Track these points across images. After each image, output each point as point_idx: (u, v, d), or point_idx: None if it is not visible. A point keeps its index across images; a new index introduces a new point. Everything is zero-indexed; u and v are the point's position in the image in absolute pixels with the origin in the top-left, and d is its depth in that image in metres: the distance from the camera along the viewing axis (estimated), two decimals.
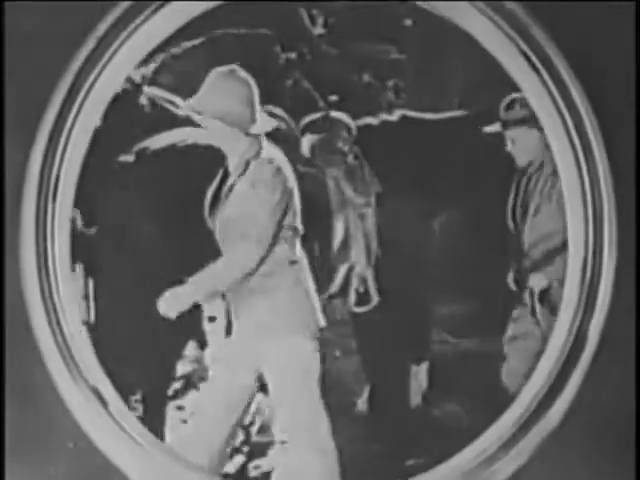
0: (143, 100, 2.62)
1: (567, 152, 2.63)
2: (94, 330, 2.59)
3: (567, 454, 2.63)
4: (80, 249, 2.60)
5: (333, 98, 2.62)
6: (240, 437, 2.62)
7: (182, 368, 2.63)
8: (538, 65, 2.61)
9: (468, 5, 2.61)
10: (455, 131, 2.63)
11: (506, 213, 2.65)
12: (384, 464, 2.61)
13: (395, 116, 2.62)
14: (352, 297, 2.64)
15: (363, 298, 2.64)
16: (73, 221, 2.60)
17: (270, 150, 2.62)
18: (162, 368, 2.61)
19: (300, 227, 2.62)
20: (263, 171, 2.60)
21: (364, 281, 2.64)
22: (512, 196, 2.65)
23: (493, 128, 2.64)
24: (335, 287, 2.65)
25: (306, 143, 2.64)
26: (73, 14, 2.57)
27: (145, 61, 2.61)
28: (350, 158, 2.65)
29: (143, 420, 2.59)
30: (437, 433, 2.62)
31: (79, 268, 2.60)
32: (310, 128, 2.65)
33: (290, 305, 2.61)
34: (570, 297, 2.62)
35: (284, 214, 2.60)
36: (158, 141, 2.62)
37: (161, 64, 2.62)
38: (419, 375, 2.64)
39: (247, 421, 2.62)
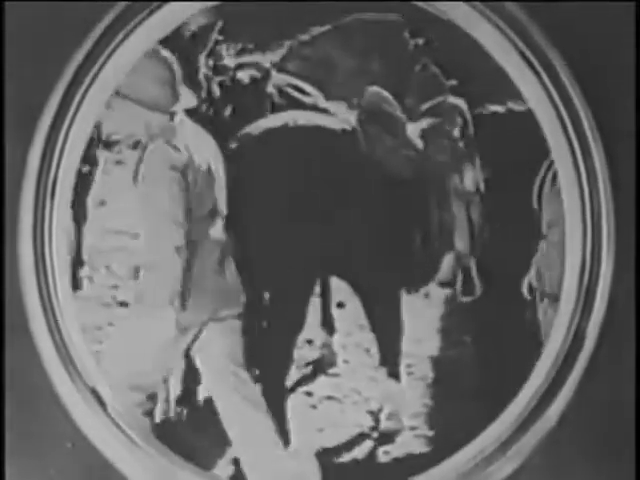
0: (270, 88, 2.63)
1: (565, 153, 2.62)
2: None
3: (566, 454, 2.62)
4: None
5: (453, 83, 2.62)
6: (369, 422, 2.64)
7: (310, 354, 2.65)
8: (537, 67, 2.60)
9: (467, 6, 2.61)
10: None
11: None
12: None
13: (516, 105, 2.63)
14: (458, 286, 2.65)
15: (468, 287, 2.65)
16: None
17: (184, 127, 2.60)
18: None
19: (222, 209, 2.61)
20: (153, 151, 2.57)
21: (468, 270, 2.64)
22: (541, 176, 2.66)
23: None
24: (443, 276, 2.65)
25: (416, 128, 2.64)
26: (73, 14, 2.56)
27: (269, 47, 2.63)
28: (461, 145, 2.64)
29: None
30: None
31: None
32: (425, 113, 2.65)
33: None
34: (568, 294, 2.62)
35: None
36: (259, 126, 2.65)
37: (289, 51, 2.62)
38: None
39: (376, 407, 2.64)
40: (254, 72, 2.62)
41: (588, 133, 2.60)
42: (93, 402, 2.57)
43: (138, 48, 2.59)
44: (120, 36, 2.58)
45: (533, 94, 2.62)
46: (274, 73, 2.63)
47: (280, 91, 2.63)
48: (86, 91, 2.58)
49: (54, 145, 2.59)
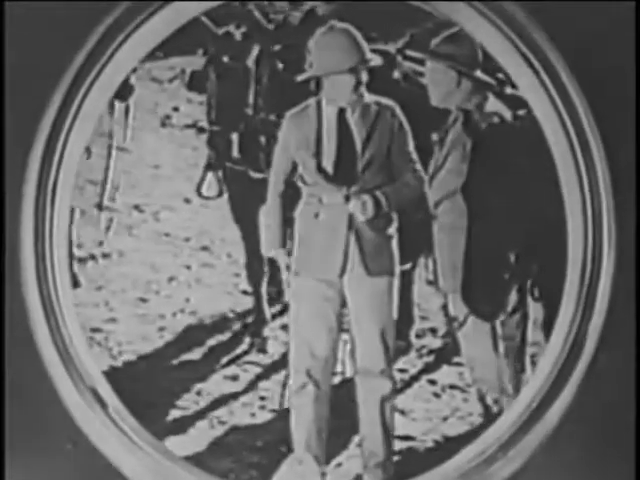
0: (396, 74, 2.71)
1: (566, 153, 2.63)
2: None
3: (566, 455, 2.62)
4: None
5: None
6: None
7: (433, 342, 2.70)
8: (537, 66, 2.61)
9: (467, 6, 2.61)
10: None
11: None
12: None
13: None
14: None
15: None
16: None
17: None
18: None
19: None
20: None
21: None
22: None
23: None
24: None
25: None
26: (73, 14, 2.57)
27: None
28: None
29: None
30: None
31: None
32: None
33: None
34: (569, 297, 2.62)
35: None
36: None
37: (411, 39, 2.69)
38: None
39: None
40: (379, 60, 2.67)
41: (588, 133, 2.61)
42: (93, 403, 2.58)
43: (138, 50, 2.60)
44: (120, 37, 2.58)
45: (533, 94, 2.63)
46: (399, 59, 2.72)
47: (405, 76, 2.72)
48: (87, 93, 2.59)
49: (54, 148, 2.59)
